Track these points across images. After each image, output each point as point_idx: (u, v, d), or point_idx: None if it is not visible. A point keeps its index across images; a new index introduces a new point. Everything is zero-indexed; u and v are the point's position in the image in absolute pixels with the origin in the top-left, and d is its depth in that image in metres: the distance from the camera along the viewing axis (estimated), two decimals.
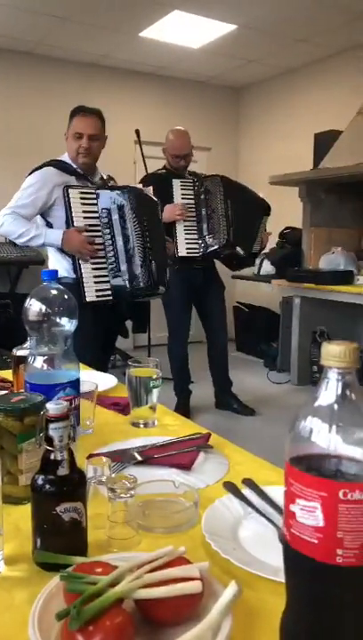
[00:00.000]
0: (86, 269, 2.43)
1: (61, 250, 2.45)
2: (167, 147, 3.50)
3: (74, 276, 2.43)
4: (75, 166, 2.51)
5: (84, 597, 0.54)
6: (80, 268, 2.42)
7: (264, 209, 3.47)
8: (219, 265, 3.67)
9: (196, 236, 3.34)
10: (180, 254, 3.30)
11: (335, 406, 0.47)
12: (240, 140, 6.46)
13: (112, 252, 2.47)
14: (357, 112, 4.41)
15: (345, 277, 4.14)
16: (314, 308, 4.44)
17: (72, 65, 5.35)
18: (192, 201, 3.34)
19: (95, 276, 2.44)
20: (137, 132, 3.90)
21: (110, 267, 2.46)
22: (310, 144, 4.76)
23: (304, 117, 5.44)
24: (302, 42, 4.83)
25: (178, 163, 3.47)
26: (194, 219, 3.33)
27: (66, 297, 1.05)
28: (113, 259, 2.46)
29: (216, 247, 3.33)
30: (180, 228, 3.31)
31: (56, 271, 1.08)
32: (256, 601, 0.64)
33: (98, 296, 2.42)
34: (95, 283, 2.43)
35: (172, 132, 3.53)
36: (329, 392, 0.47)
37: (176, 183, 3.33)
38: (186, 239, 3.32)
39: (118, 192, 2.48)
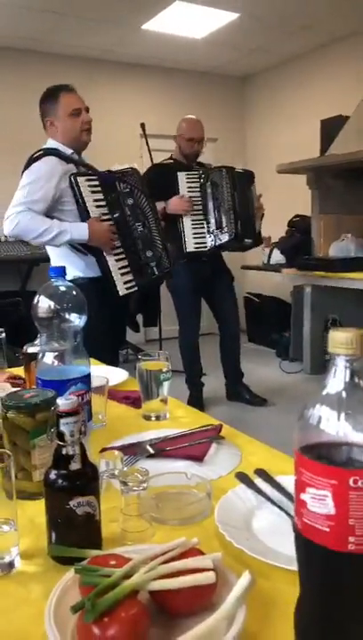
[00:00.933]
0: (111, 262, 2.29)
1: (82, 246, 2.27)
2: (181, 132, 3.45)
3: (91, 275, 2.31)
4: (69, 152, 2.33)
5: (98, 590, 0.55)
6: (107, 263, 2.27)
7: (250, 178, 3.40)
8: (227, 254, 3.65)
9: (204, 231, 3.29)
10: (188, 250, 3.27)
11: (344, 394, 0.46)
12: (247, 130, 6.41)
13: (130, 240, 2.34)
14: None
15: (356, 264, 4.10)
16: (326, 296, 4.41)
17: (76, 60, 5.34)
18: (198, 194, 3.29)
19: (120, 268, 2.31)
20: (142, 125, 3.89)
21: (133, 255, 2.34)
22: (317, 131, 4.72)
23: (310, 104, 5.39)
24: (305, 29, 4.78)
25: (192, 147, 3.42)
26: (201, 212, 3.29)
27: (74, 293, 1.05)
28: (133, 247, 2.35)
29: (224, 242, 3.30)
30: (187, 223, 3.26)
31: (64, 267, 1.08)
32: (271, 590, 0.64)
33: (127, 288, 2.31)
34: (122, 275, 2.30)
35: (184, 119, 3.51)
36: (337, 379, 0.47)
37: (181, 176, 3.28)
38: (194, 234, 3.28)
39: (120, 175, 2.35)
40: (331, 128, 4.48)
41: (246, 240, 3.36)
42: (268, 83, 6.02)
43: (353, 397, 0.46)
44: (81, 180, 2.24)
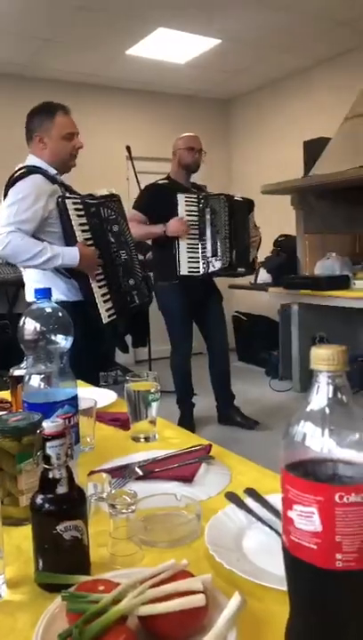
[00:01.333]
0: (95, 289, 2.25)
1: (66, 270, 2.21)
2: (179, 145, 3.45)
3: (73, 298, 2.25)
4: (53, 172, 2.26)
5: (86, 617, 0.54)
6: (92, 291, 2.23)
7: (249, 207, 3.42)
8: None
9: (198, 255, 3.27)
10: (181, 273, 3.25)
11: (327, 410, 0.47)
12: (232, 151, 6.51)
13: (111, 268, 2.32)
14: (344, 118, 4.45)
15: (341, 282, 4.15)
16: (313, 314, 4.44)
17: (61, 85, 5.41)
18: (196, 218, 3.26)
19: (102, 295, 2.27)
20: (128, 147, 3.94)
21: (115, 282, 2.32)
22: (300, 152, 4.80)
23: (293, 126, 5.49)
24: (285, 52, 4.90)
25: (193, 156, 3.41)
26: (196, 237, 3.26)
27: (60, 314, 1.05)
28: (114, 275, 2.33)
29: (218, 269, 3.28)
30: (183, 246, 3.24)
31: (49, 289, 1.08)
32: (262, 611, 0.63)
33: (109, 315, 2.27)
34: (104, 302, 2.27)
35: (180, 136, 3.53)
36: (320, 396, 0.47)
37: (181, 198, 3.25)
38: (189, 258, 3.26)
39: (105, 201, 2.32)
40: (314, 149, 4.56)
41: (239, 269, 3.37)
42: (251, 105, 6.14)
43: (337, 413, 0.46)
44: (68, 202, 2.20)
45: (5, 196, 2.19)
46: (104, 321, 2.26)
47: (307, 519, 0.46)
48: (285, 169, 5.00)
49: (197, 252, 3.27)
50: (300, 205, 4.68)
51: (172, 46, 4.70)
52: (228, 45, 4.70)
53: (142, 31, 4.39)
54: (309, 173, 4.47)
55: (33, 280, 2.30)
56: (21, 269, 2.38)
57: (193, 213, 3.26)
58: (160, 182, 3.51)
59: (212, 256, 3.26)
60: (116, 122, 5.63)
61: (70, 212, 2.19)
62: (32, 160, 2.28)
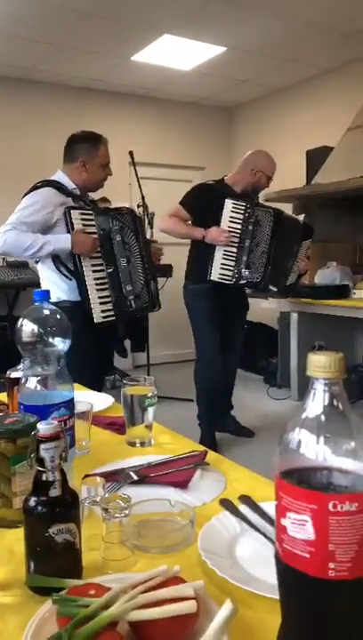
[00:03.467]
0: (91, 289, 2.42)
1: (68, 271, 2.42)
2: (261, 168, 3.30)
3: (74, 299, 2.41)
4: (71, 188, 2.50)
5: (76, 621, 0.53)
6: (87, 289, 2.40)
7: (303, 234, 3.33)
8: None
9: (232, 264, 3.15)
10: (211, 278, 3.15)
11: (323, 417, 0.47)
12: (234, 159, 6.52)
13: (114, 272, 2.49)
14: (347, 128, 4.47)
15: (341, 292, 4.15)
16: (312, 322, 4.44)
17: (66, 89, 5.43)
18: (239, 226, 3.14)
19: (100, 297, 2.44)
20: (131, 153, 3.94)
21: (115, 286, 2.48)
22: (303, 161, 4.82)
23: (296, 135, 5.51)
24: (290, 62, 4.92)
25: (267, 185, 3.37)
26: (236, 245, 3.14)
27: (58, 317, 1.05)
28: (116, 279, 2.49)
29: (247, 282, 3.19)
30: (219, 252, 3.14)
31: (48, 291, 1.08)
32: (253, 619, 0.62)
33: (103, 317, 2.43)
34: (100, 304, 2.43)
35: (266, 156, 3.38)
36: (316, 403, 0.47)
37: (229, 203, 3.13)
38: (222, 264, 3.16)
39: (114, 214, 2.53)
40: (316, 158, 4.57)
41: (271, 288, 3.27)
42: (255, 113, 6.16)
43: (332, 421, 0.46)
44: (75, 212, 2.42)
45: (21, 201, 2.45)
46: (96, 320, 2.41)
47: (300, 527, 0.45)
48: (287, 178, 5.01)
49: (233, 260, 3.16)
50: (301, 214, 4.69)
51: (177, 53, 4.72)
52: (233, 53, 4.73)
53: (148, 37, 4.41)
54: (311, 182, 4.49)
55: (42, 280, 2.54)
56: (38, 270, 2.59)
57: (237, 220, 3.15)
58: (210, 182, 3.39)
59: (245, 268, 3.16)
60: (120, 127, 5.65)
61: (75, 222, 2.41)
62: (59, 176, 2.53)
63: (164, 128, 5.98)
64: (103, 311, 2.43)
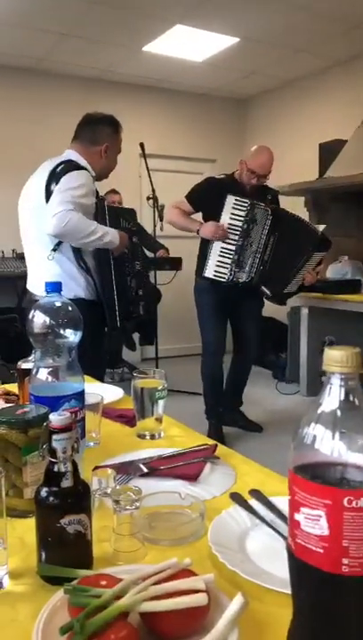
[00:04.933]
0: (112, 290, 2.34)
1: (85, 265, 2.31)
2: (247, 160, 3.22)
3: (89, 297, 2.29)
4: (93, 175, 2.34)
5: (87, 611, 0.54)
6: (113, 289, 2.32)
7: (315, 245, 3.11)
8: None
9: (229, 262, 3.07)
10: (206, 275, 3.09)
11: (339, 412, 0.46)
12: (245, 151, 6.47)
13: (124, 277, 2.42)
14: (361, 121, 4.43)
15: (352, 286, 4.13)
16: (322, 317, 4.42)
17: (76, 80, 5.42)
18: (240, 223, 3.04)
19: (118, 300, 2.36)
20: (141, 145, 3.93)
21: (124, 289, 2.41)
22: (315, 154, 4.78)
23: (309, 127, 5.47)
24: (303, 52, 4.87)
25: (250, 179, 3.17)
26: (234, 242, 3.05)
27: (70, 308, 1.05)
28: (124, 283, 2.41)
29: (240, 282, 3.10)
30: (216, 248, 3.07)
31: (59, 283, 1.08)
32: (264, 613, 0.62)
33: (120, 319, 2.36)
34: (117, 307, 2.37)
35: (258, 149, 3.29)
36: (332, 398, 0.47)
37: (230, 199, 3.04)
38: (218, 262, 3.08)
39: (122, 212, 2.53)
40: (329, 151, 4.54)
41: (265, 290, 3.16)
42: (267, 105, 6.11)
43: (348, 416, 0.46)
44: (106, 205, 2.38)
45: (57, 182, 2.20)
46: (118, 324, 2.33)
47: (314, 522, 0.45)
48: (299, 171, 4.98)
49: (229, 258, 3.07)
50: (313, 208, 4.66)
51: (189, 44, 4.69)
52: (245, 44, 4.69)
53: (160, 28, 4.38)
54: (324, 176, 4.45)
55: (55, 274, 2.25)
56: (38, 260, 2.37)
57: (238, 218, 3.04)
58: (220, 177, 3.32)
59: (237, 266, 3.07)
60: (130, 119, 5.57)
61: (107, 215, 2.32)
62: (78, 159, 2.31)
63: (175, 120, 5.95)
64: (120, 314, 2.35)
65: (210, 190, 3.19)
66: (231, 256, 3.07)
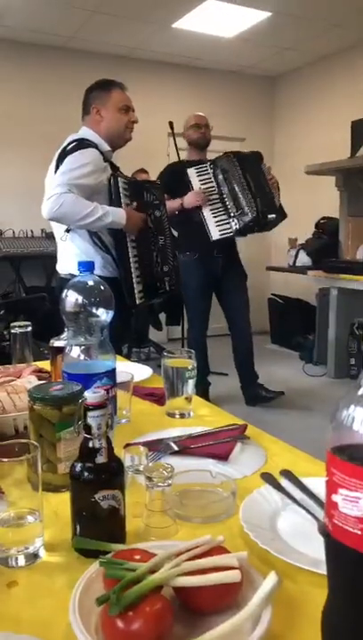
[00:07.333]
0: (132, 268, 2.25)
1: (102, 243, 2.24)
2: (185, 125, 3.59)
3: (107, 275, 2.22)
4: (105, 150, 2.28)
5: (123, 583, 0.55)
6: (130, 267, 2.24)
7: (259, 157, 3.44)
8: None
9: (225, 217, 3.32)
10: (213, 238, 3.31)
11: None
12: (275, 130, 6.37)
13: (149, 253, 2.35)
14: None
15: None
16: (352, 299, 4.36)
17: (105, 57, 5.36)
18: (213, 184, 3.34)
19: (137, 276, 2.27)
20: (171, 123, 3.87)
21: (148, 266, 2.33)
22: (348, 132, 4.66)
23: (341, 105, 5.33)
24: (336, 27, 4.73)
25: (200, 132, 3.54)
26: (218, 200, 3.32)
27: (102, 287, 1.06)
28: (149, 259, 2.35)
29: (248, 221, 3.27)
30: (207, 213, 3.32)
31: (92, 262, 1.08)
32: (296, 592, 0.63)
33: (141, 297, 2.28)
34: (137, 283, 2.27)
35: (186, 118, 3.67)
36: None
37: (191, 171, 3.35)
38: (216, 222, 3.32)
39: (148, 186, 2.44)
40: (362, 130, 4.42)
41: (270, 216, 3.34)
42: (298, 83, 5.97)
43: None
44: (120, 180, 2.26)
45: (60, 163, 2.20)
46: (137, 302, 2.27)
47: (352, 504, 0.45)
48: (331, 150, 4.87)
49: (224, 214, 3.31)
50: (345, 187, 4.56)
51: (220, 19, 4.59)
52: (277, 19, 4.57)
53: (191, 3, 4.30)
54: (356, 154, 4.35)
55: (72, 253, 2.28)
56: (58, 241, 2.37)
57: (208, 181, 3.34)
58: (172, 163, 3.63)
59: (237, 211, 3.29)
60: (159, 97, 5.56)
61: (121, 190, 2.24)
62: (86, 133, 2.31)
63: (204, 98, 5.85)
64: (140, 292, 2.26)
65: (173, 175, 3.42)
66: (224, 211, 3.32)
